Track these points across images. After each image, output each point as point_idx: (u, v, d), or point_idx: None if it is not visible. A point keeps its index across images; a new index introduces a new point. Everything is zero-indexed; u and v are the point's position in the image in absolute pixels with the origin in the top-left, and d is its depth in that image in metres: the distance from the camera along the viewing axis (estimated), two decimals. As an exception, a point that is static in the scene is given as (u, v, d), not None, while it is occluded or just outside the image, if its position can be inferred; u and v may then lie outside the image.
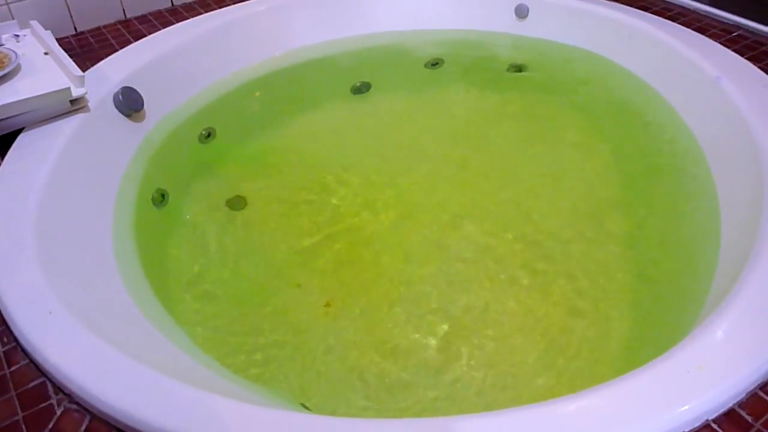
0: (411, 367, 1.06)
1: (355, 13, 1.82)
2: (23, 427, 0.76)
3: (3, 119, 1.22)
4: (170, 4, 1.82)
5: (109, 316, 0.96)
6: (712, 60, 1.39)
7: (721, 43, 1.48)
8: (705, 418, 0.73)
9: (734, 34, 1.54)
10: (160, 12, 1.79)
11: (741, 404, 0.75)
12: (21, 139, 1.22)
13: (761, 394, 0.77)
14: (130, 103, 1.39)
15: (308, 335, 1.12)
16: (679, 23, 1.59)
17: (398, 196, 1.42)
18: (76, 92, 1.27)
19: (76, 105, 1.29)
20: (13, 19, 1.55)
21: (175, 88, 1.55)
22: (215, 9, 1.76)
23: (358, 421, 0.77)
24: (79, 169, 1.21)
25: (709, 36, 1.52)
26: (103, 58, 1.52)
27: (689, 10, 1.67)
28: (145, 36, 1.64)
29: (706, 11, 1.64)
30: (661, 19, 1.61)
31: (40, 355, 0.82)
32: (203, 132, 1.57)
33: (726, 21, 1.60)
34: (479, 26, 1.83)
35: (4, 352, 0.86)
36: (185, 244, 1.31)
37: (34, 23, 1.49)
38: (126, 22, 1.75)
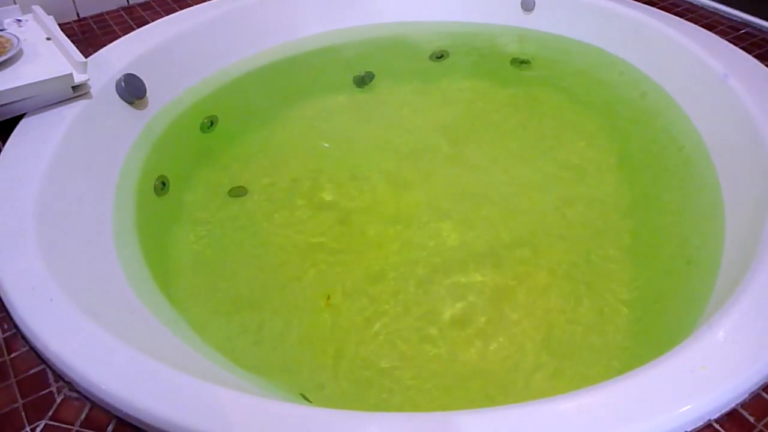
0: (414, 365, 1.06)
1: (359, 3, 1.81)
2: (23, 414, 0.76)
3: (4, 105, 1.21)
4: (174, -9, 1.81)
5: (109, 303, 0.95)
6: (720, 57, 1.38)
7: (728, 40, 1.47)
8: (707, 418, 0.73)
9: (742, 31, 1.53)
10: (163, -1, 1.78)
11: (743, 405, 0.75)
12: (23, 125, 1.22)
13: (764, 394, 0.76)
14: (132, 90, 1.38)
15: (307, 328, 1.12)
16: (686, 20, 1.58)
17: (400, 187, 1.42)
18: (78, 78, 1.26)
19: (79, 91, 1.28)
20: (15, 3, 1.54)
21: (178, 76, 1.54)
22: (219, -3, 1.75)
23: (359, 413, 0.76)
24: (80, 155, 1.20)
25: (717, 33, 1.51)
26: (105, 45, 1.51)
27: (697, 6, 1.66)
28: (149, 23, 1.63)
29: (714, 8, 1.63)
30: (668, 15, 1.60)
31: (41, 343, 0.82)
32: (205, 120, 1.56)
33: (734, 18, 1.59)
34: (485, 19, 1.82)
35: (4, 338, 0.86)
36: (186, 232, 1.31)
37: (37, 8, 1.48)
38: (129, 9, 1.74)
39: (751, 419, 0.74)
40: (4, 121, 1.22)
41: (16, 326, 0.87)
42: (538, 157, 1.48)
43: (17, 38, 1.33)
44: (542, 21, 1.77)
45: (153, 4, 1.76)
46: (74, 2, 1.68)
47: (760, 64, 1.37)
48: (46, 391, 0.79)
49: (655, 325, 1.08)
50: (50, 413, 0.76)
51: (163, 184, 1.37)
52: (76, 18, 1.70)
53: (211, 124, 1.57)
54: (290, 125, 1.63)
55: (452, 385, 1.03)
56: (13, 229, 0.99)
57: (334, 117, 1.68)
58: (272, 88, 1.71)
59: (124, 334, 0.83)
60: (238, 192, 1.41)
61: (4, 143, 1.18)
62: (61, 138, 1.18)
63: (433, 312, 1.14)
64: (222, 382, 0.78)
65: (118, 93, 1.36)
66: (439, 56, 1.81)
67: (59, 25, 1.44)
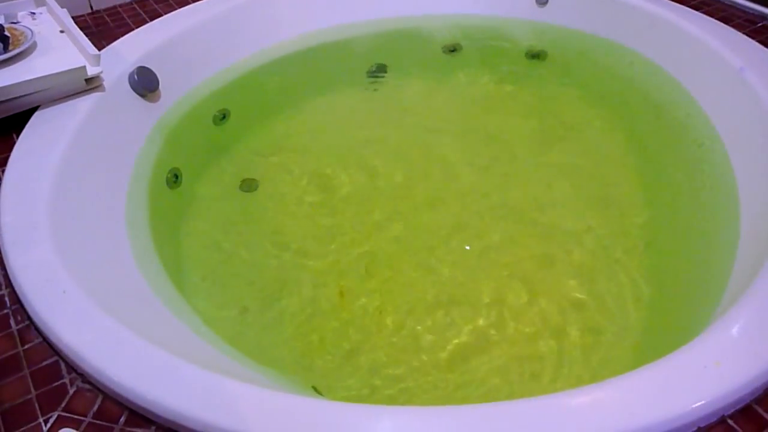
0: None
1: (373, -4, 1.81)
2: (36, 405, 0.77)
3: (18, 97, 1.21)
4: (187, -16, 1.81)
5: (122, 296, 0.96)
6: (736, 50, 1.36)
7: (745, 33, 1.45)
8: (721, 413, 0.73)
9: (759, 24, 1.51)
10: (176, -9, 1.78)
11: (757, 400, 0.75)
12: (36, 117, 1.22)
13: (779, 391, 0.76)
14: (145, 83, 1.39)
15: (320, 321, 1.12)
16: (702, 12, 1.56)
17: (412, 182, 1.41)
18: (91, 71, 1.26)
19: (92, 84, 1.28)
20: (30, -4, 1.54)
21: (191, 69, 1.54)
22: (232, -11, 1.75)
23: (370, 407, 0.76)
24: (93, 148, 1.21)
25: (733, 26, 1.49)
26: (118, 38, 1.51)
27: (713, -1, 1.64)
28: (162, 15, 1.63)
29: (730, 1, 1.61)
30: (684, 7, 1.58)
31: (54, 334, 0.82)
32: (218, 113, 1.56)
33: (751, 11, 1.57)
34: (499, 12, 1.80)
35: (17, 330, 0.86)
36: (198, 225, 1.32)
37: (50, 1, 1.48)
38: (142, 1, 1.74)
39: (766, 415, 0.73)
40: (17, 113, 1.23)
41: (29, 318, 0.87)
42: (552, 150, 1.47)
43: (31, 31, 1.34)
44: (556, 14, 1.75)
45: (166, -4, 1.76)
46: (88, -5, 1.69)
47: (777, 57, 1.35)
48: (59, 382, 0.79)
49: (669, 320, 1.07)
50: (63, 404, 0.77)
51: (176, 176, 1.37)
52: (89, 10, 1.70)
53: (224, 116, 1.57)
54: (303, 118, 1.63)
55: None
56: (26, 221, 0.99)
57: (347, 110, 1.67)
58: (285, 81, 1.71)
59: (136, 326, 0.84)
60: (250, 184, 1.41)
61: (17, 136, 1.18)
62: (74, 130, 1.18)
63: (453, 303, 1.14)
64: (234, 374, 0.78)
65: (131, 86, 1.37)
66: (452, 49, 1.80)
67: (73, 17, 1.44)
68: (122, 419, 0.75)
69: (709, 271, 1.08)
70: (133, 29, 1.56)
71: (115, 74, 1.34)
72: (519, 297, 1.14)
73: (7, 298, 0.91)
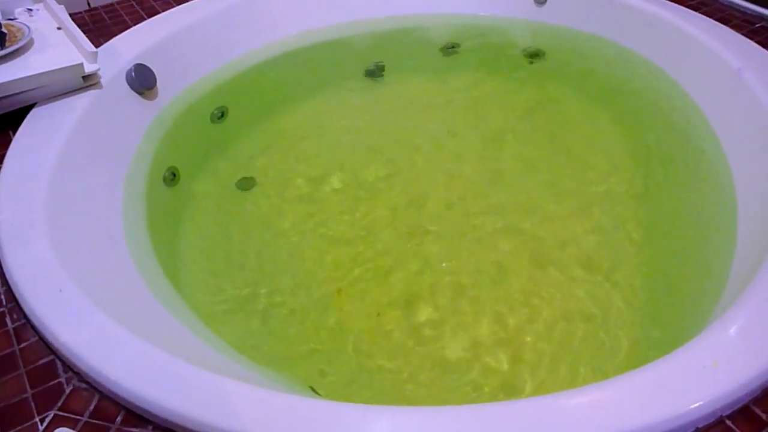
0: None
1: (371, -6, 1.81)
2: (32, 404, 0.76)
3: (15, 94, 1.21)
4: (184, -18, 1.80)
5: (119, 294, 0.95)
6: (734, 51, 1.36)
7: (743, 34, 1.45)
8: (719, 414, 0.73)
9: (757, 25, 1.51)
10: (174, -11, 1.78)
11: (755, 401, 0.75)
12: (33, 114, 1.22)
13: (777, 391, 0.76)
14: (142, 80, 1.38)
15: (319, 320, 1.12)
16: (701, 13, 1.56)
17: (409, 181, 1.41)
18: (88, 68, 1.26)
19: (89, 81, 1.28)
20: (27, -8, 1.54)
21: (189, 67, 1.54)
22: (230, -13, 1.74)
23: (368, 406, 0.76)
24: (90, 145, 1.20)
25: (732, 27, 1.49)
26: (116, 35, 1.51)
27: (711, -1, 1.65)
28: (159, 13, 1.63)
29: (728, 1, 1.61)
30: (682, 8, 1.58)
31: (50, 333, 0.82)
32: (215, 111, 1.56)
33: (749, 12, 1.57)
34: (497, 11, 1.80)
35: (13, 328, 0.86)
36: (195, 223, 1.31)
37: (48, -3, 1.48)
38: (140, -1, 1.74)
39: (763, 416, 0.73)
40: (14, 110, 1.22)
41: (25, 316, 0.87)
42: (549, 150, 1.47)
43: (28, 27, 1.33)
44: (555, 14, 1.75)
45: (163, -6, 1.75)
46: (85, -8, 1.69)
47: (776, 58, 1.35)
48: (55, 381, 0.79)
49: (667, 320, 1.07)
50: (59, 403, 0.76)
51: (173, 174, 1.37)
52: (86, 8, 1.70)
53: (222, 115, 1.56)
54: (300, 117, 1.63)
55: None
56: (23, 219, 0.99)
57: (345, 109, 1.67)
58: (283, 80, 1.71)
59: (133, 325, 0.83)
60: (247, 183, 1.41)
61: (14, 133, 1.18)
62: (71, 128, 1.18)
63: (453, 297, 1.14)
64: (231, 374, 0.78)
65: (128, 83, 1.36)
66: (451, 48, 1.80)
67: (70, 14, 1.44)
68: (119, 418, 0.75)
69: (707, 272, 1.08)
70: (130, 26, 1.56)
71: (112, 72, 1.33)
72: (515, 294, 1.14)
73: (2, 296, 0.90)
